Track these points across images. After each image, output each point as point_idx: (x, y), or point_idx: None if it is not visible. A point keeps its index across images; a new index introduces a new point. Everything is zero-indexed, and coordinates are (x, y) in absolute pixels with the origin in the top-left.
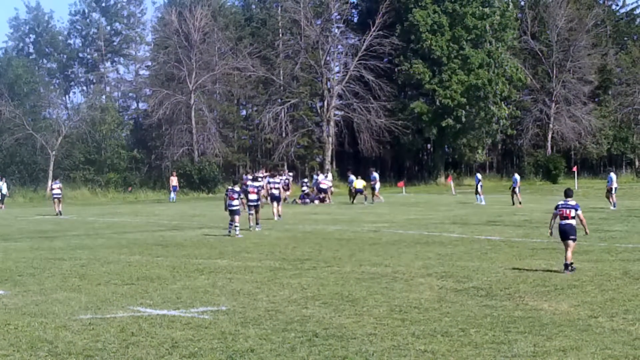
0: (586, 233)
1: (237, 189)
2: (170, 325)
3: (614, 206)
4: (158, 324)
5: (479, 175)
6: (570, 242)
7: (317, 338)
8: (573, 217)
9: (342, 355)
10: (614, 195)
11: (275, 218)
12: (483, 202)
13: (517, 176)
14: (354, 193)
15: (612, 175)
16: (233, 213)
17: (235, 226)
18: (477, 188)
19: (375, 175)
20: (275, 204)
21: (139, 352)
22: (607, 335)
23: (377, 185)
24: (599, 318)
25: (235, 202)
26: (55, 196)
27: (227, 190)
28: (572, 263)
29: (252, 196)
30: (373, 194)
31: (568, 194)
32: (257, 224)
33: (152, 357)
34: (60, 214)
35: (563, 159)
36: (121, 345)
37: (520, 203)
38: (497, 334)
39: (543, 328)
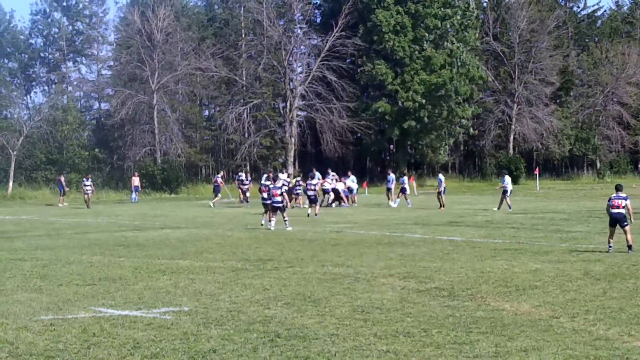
0: (631, 221)
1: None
2: (132, 325)
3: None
4: (120, 324)
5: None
6: (626, 227)
7: (280, 338)
8: (624, 207)
9: (304, 355)
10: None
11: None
12: (395, 205)
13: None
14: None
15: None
16: (275, 209)
17: (285, 220)
18: (389, 190)
19: (404, 178)
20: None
21: (101, 353)
22: (568, 335)
23: (407, 187)
24: (560, 318)
25: (278, 198)
26: (86, 192)
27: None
28: (630, 245)
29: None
30: (401, 195)
31: (619, 188)
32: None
33: (113, 358)
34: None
35: (524, 160)
36: (83, 346)
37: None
38: (459, 335)
39: (505, 328)
